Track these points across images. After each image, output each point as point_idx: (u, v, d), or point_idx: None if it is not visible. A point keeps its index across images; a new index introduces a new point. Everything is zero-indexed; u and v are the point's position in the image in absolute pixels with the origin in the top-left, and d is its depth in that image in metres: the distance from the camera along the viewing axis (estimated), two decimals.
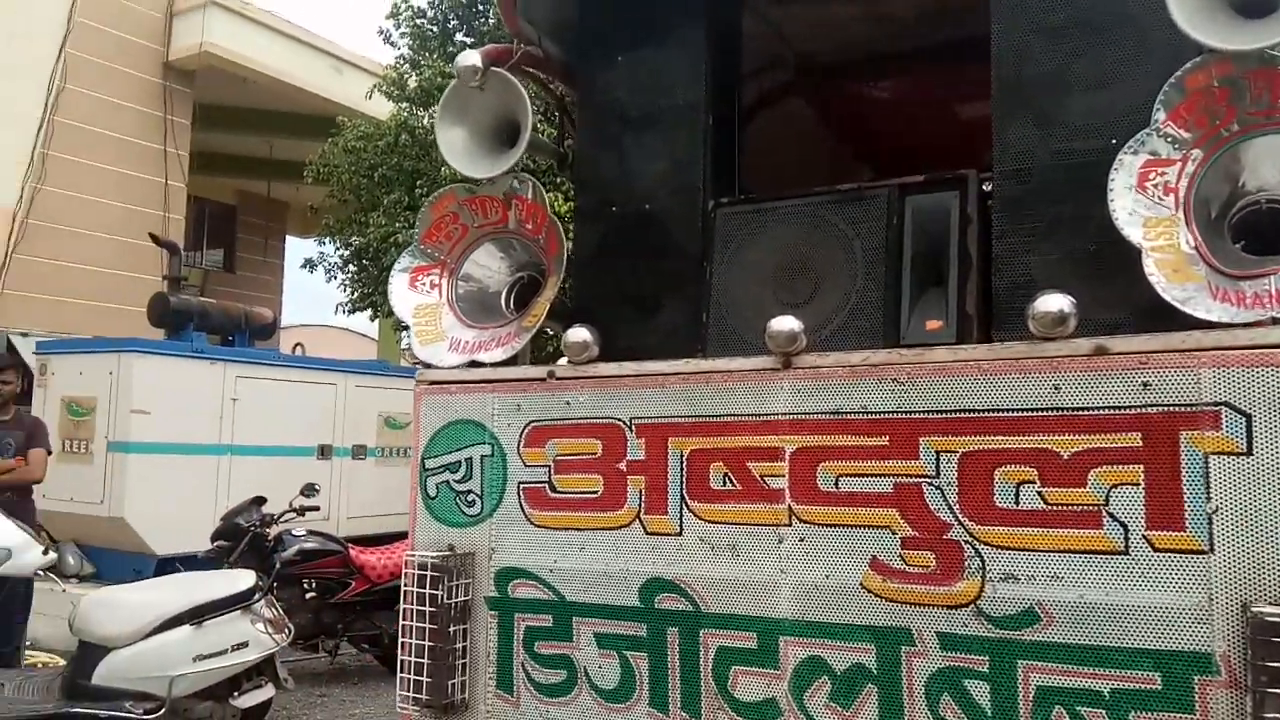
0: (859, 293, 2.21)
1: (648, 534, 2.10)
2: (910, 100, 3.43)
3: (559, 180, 7.97)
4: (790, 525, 1.96)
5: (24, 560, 4.71)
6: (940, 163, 2.28)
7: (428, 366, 2.40)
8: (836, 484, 1.93)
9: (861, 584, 1.89)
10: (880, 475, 1.89)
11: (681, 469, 2.08)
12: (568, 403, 2.22)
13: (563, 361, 2.30)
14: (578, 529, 2.18)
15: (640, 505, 2.11)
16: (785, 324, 1.98)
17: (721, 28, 2.57)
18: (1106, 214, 1.82)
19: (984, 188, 2.17)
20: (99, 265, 11.50)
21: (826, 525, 1.93)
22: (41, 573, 4.92)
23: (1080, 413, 1.73)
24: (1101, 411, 1.72)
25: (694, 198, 2.45)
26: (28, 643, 6.14)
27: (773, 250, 2.33)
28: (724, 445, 2.04)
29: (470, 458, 2.31)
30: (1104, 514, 1.70)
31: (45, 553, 4.84)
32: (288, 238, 18.26)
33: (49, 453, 6.12)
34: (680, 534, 2.07)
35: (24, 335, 10.32)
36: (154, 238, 10.21)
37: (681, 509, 2.07)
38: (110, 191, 11.82)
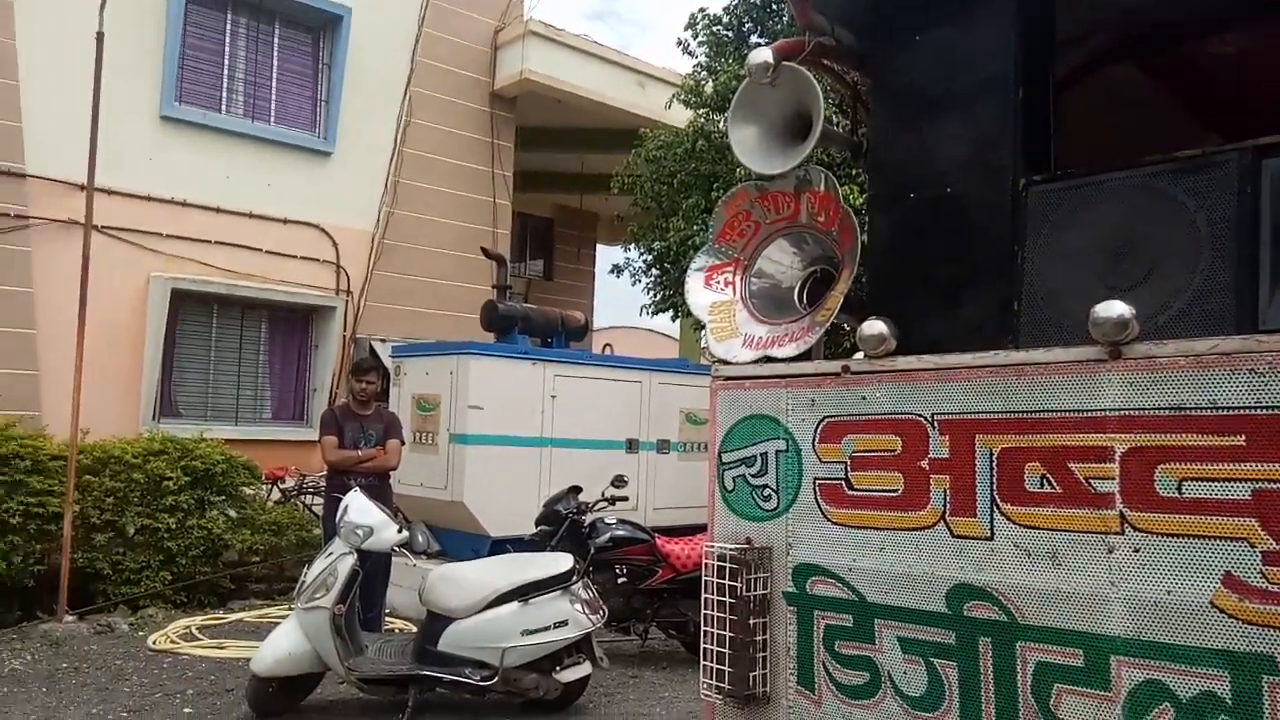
0: (1204, 273, 1.94)
1: (954, 537, 1.99)
2: (1262, 56, 2.96)
3: (854, 173, 7.78)
4: (1122, 533, 1.76)
5: (383, 537, 5.40)
6: None
7: (723, 363, 2.44)
8: (1179, 489, 1.70)
9: (1212, 602, 1.65)
10: (1235, 480, 1.64)
11: (991, 469, 1.93)
12: (864, 397, 2.15)
13: (858, 356, 2.23)
14: (877, 528, 2.10)
15: (945, 506, 2.00)
16: (1113, 309, 1.78)
17: None
18: None
19: None
20: (440, 277, 12.89)
21: (1167, 535, 1.71)
22: (397, 549, 5.57)
23: None
24: None
25: (1002, 177, 2.28)
26: (387, 610, 7.04)
27: (1096, 229, 2.11)
28: (1040, 444, 1.87)
29: (765, 452, 2.31)
30: None
31: (400, 531, 5.50)
32: (598, 246, 19.42)
33: (403, 443, 6.95)
34: (991, 538, 1.93)
35: (382, 341, 11.85)
36: (485, 251, 11.33)
37: (992, 511, 1.93)
38: (449, 211, 13.21)
